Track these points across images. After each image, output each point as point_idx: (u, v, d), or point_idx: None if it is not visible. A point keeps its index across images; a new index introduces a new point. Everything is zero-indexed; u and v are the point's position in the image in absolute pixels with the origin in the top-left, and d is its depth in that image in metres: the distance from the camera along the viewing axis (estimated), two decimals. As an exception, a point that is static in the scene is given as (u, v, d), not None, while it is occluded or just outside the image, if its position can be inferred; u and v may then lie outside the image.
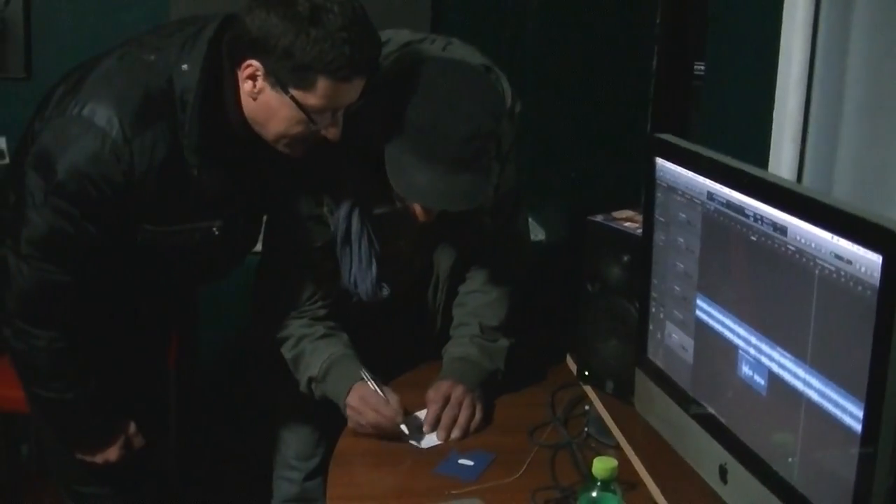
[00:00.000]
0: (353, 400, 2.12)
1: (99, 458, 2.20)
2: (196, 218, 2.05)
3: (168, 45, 1.97)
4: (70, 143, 1.91)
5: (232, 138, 2.01)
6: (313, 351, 2.23)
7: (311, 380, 2.22)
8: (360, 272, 2.19)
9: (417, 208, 2.05)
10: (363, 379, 2.15)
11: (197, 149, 1.95)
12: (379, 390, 2.11)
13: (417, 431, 2.11)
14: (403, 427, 2.08)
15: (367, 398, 2.11)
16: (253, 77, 1.91)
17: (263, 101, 1.92)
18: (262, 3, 1.87)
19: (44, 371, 2.09)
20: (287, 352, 2.26)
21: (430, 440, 2.10)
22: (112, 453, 2.20)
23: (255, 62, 1.89)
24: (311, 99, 1.89)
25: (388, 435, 2.08)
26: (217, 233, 2.08)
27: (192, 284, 2.33)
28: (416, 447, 2.07)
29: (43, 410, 2.20)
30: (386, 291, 2.23)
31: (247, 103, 1.95)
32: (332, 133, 1.96)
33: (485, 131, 1.96)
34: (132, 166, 1.91)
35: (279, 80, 1.88)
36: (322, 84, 1.87)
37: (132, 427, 2.23)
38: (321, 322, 2.26)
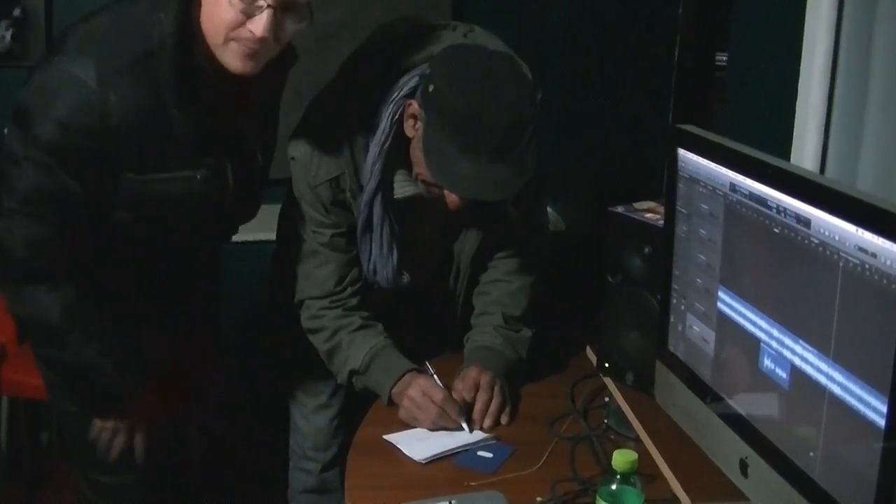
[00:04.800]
0: (415, 393, 2.10)
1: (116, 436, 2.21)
2: (178, 166, 2.05)
3: None
4: (48, 95, 1.93)
5: (209, 82, 2.02)
6: (351, 343, 2.22)
7: (352, 372, 2.22)
8: (381, 259, 2.18)
9: (451, 197, 2.03)
10: (413, 370, 2.16)
11: (174, 88, 1.97)
12: (440, 383, 2.11)
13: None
14: (465, 424, 2.07)
15: (430, 393, 2.09)
16: None
17: (207, 7, 1.94)
18: None
19: (58, 329, 2.07)
20: (321, 344, 2.25)
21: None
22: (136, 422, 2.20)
23: None
24: None
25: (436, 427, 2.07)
26: (201, 181, 2.08)
27: (194, 245, 2.32)
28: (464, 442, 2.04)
29: (60, 373, 2.18)
30: (406, 279, 2.22)
31: (203, 21, 1.96)
32: (262, 23, 1.91)
33: (525, 119, 1.95)
34: (109, 112, 1.93)
35: None
36: None
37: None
38: (355, 312, 2.25)
